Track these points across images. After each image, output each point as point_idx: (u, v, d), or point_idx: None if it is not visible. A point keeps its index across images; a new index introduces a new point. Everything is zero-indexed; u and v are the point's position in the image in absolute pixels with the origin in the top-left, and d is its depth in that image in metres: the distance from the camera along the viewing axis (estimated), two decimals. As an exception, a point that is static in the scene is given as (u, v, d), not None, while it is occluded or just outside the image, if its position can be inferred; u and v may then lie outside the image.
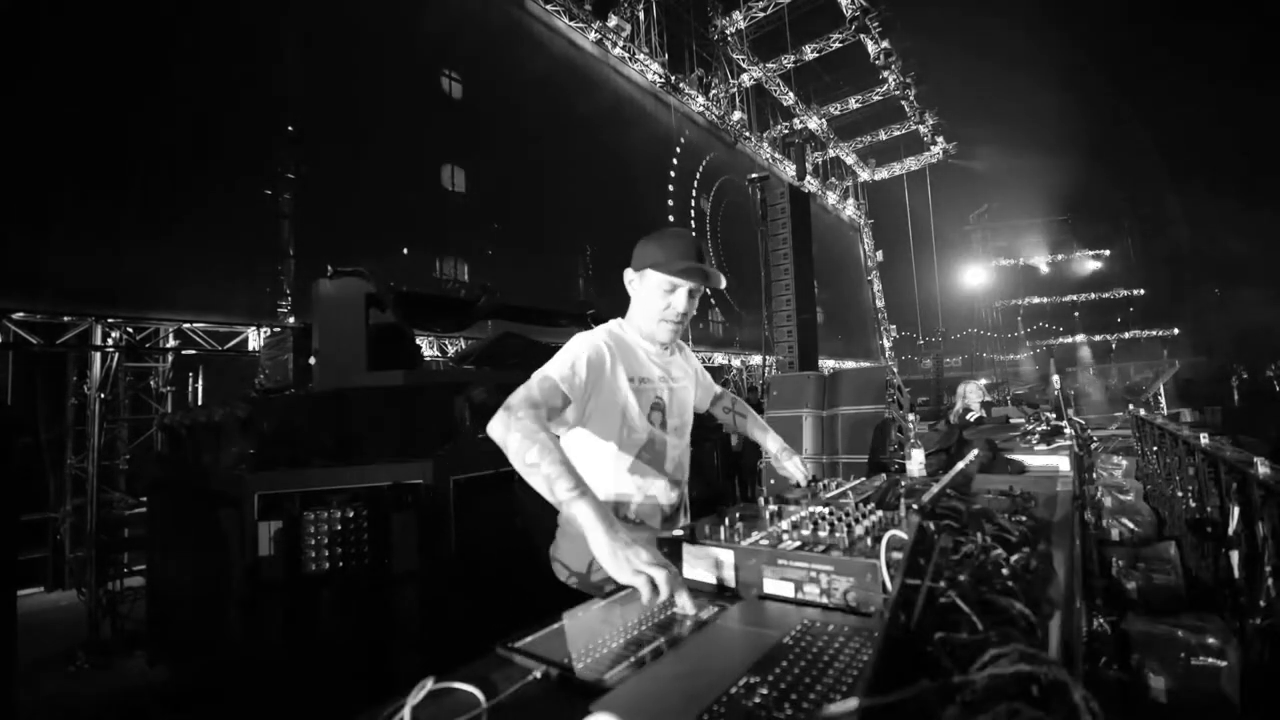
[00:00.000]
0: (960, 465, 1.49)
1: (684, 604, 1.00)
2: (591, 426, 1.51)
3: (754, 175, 10.18)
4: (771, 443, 1.91)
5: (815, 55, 18.53)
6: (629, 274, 1.59)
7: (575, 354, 1.45)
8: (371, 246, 8.80)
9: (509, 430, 1.24)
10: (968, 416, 4.79)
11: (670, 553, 1.22)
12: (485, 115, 11.15)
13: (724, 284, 1.56)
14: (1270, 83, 25.98)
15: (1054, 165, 29.41)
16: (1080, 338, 29.44)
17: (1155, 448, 5.13)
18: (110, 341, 6.45)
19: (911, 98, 21.43)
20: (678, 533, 1.27)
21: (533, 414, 1.27)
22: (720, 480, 4.86)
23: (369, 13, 9.46)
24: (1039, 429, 3.20)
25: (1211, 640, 2.28)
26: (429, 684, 0.71)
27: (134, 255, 6.54)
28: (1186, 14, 28.75)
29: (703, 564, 1.18)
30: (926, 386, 19.48)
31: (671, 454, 1.62)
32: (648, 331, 1.59)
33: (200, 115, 7.07)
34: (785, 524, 1.28)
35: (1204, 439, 3.28)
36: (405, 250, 9.63)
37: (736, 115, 18.84)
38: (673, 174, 16.55)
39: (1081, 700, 0.47)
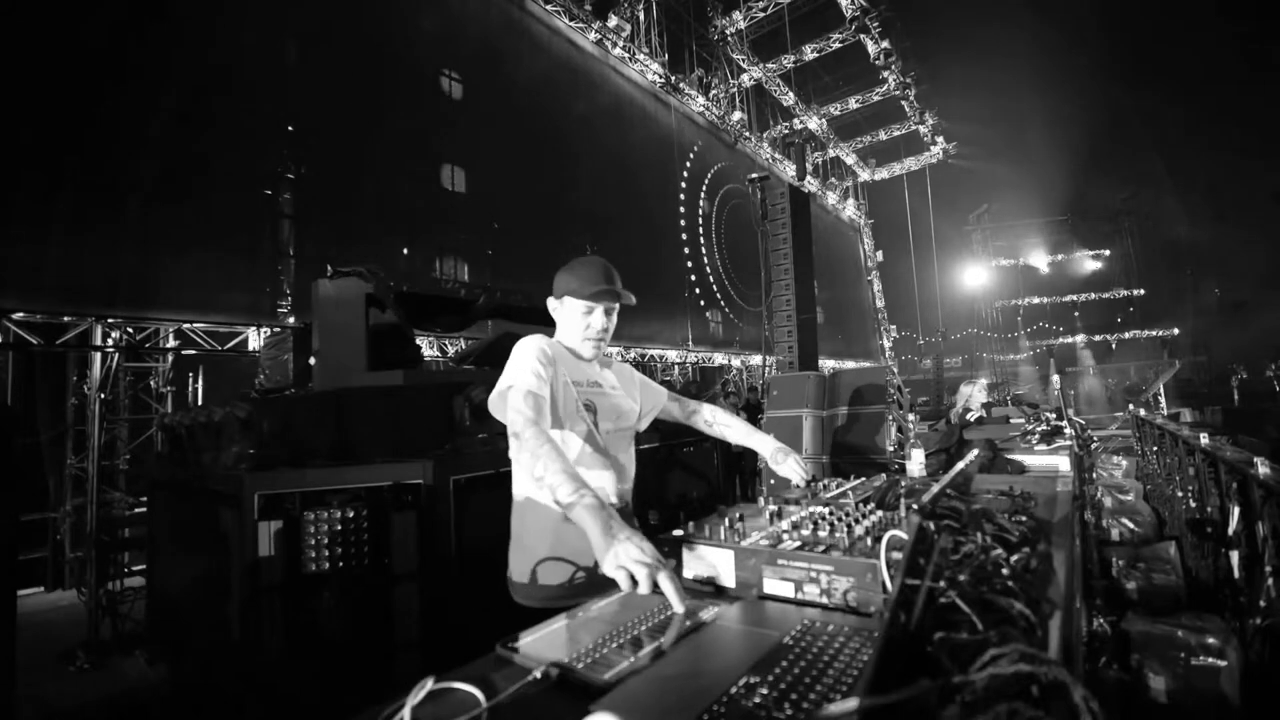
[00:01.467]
0: (960, 465, 1.49)
1: (670, 596, 1.01)
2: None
3: (754, 175, 10.15)
4: (765, 444, 1.92)
5: (815, 55, 18.53)
6: (551, 302, 1.75)
7: (531, 360, 1.54)
8: (371, 246, 8.80)
9: (520, 453, 1.41)
10: (968, 416, 4.77)
11: (670, 552, 1.22)
12: (485, 115, 11.13)
13: (634, 301, 1.71)
14: (1270, 83, 25.98)
15: (1054, 165, 29.42)
16: (1080, 338, 29.36)
17: (1155, 448, 5.13)
18: (110, 341, 6.45)
19: (911, 98, 21.42)
20: (678, 533, 1.27)
21: (536, 431, 1.39)
22: (720, 480, 4.86)
23: (369, 12, 9.45)
24: (1039, 429, 3.20)
25: (1211, 640, 2.27)
26: (429, 684, 0.71)
27: (134, 255, 6.53)
28: (1187, 14, 28.76)
29: (702, 564, 1.18)
30: (926, 386, 19.48)
31: (612, 453, 1.69)
32: (572, 348, 1.73)
33: (200, 115, 7.07)
34: (785, 524, 1.28)
35: (1204, 439, 3.27)
36: (405, 250, 9.63)
37: (736, 115, 18.83)
38: (672, 174, 16.54)
39: (1081, 700, 0.47)
